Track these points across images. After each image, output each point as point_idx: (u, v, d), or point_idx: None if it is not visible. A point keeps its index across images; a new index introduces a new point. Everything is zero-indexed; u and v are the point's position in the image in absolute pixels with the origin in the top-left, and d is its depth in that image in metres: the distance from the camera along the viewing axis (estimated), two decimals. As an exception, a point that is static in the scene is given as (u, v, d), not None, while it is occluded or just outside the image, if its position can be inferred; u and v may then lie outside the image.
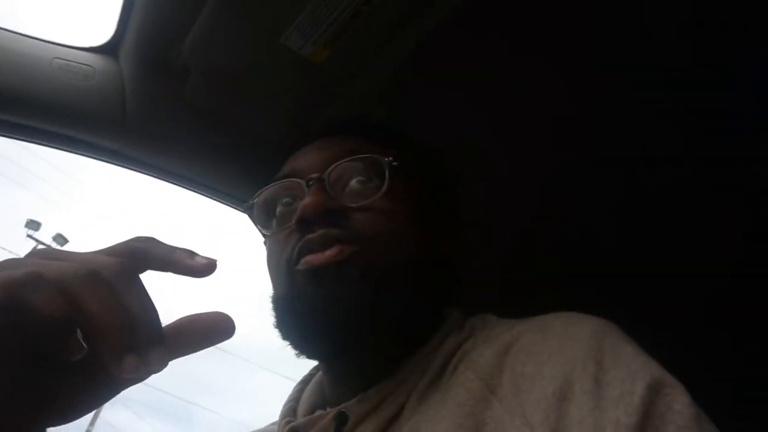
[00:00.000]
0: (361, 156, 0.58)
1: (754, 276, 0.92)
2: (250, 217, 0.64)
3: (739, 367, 1.01)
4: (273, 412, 0.66)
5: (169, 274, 0.34)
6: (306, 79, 0.78)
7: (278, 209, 0.61)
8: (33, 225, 15.04)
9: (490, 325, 0.56)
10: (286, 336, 0.57)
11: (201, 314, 0.35)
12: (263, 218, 0.62)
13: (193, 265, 0.34)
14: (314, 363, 0.65)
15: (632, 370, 0.42)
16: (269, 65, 0.76)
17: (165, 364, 0.30)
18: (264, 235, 0.63)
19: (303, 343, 0.56)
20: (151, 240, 0.35)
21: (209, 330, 0.34)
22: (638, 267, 0.97)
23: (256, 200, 0.62)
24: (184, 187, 0.93)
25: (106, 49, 0.82)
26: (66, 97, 0.77)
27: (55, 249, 0.35)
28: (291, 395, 0.65)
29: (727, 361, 1.01)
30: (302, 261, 0.54)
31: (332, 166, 0.57)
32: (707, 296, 0.98)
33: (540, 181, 0.91)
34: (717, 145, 0.82)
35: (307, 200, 0.54)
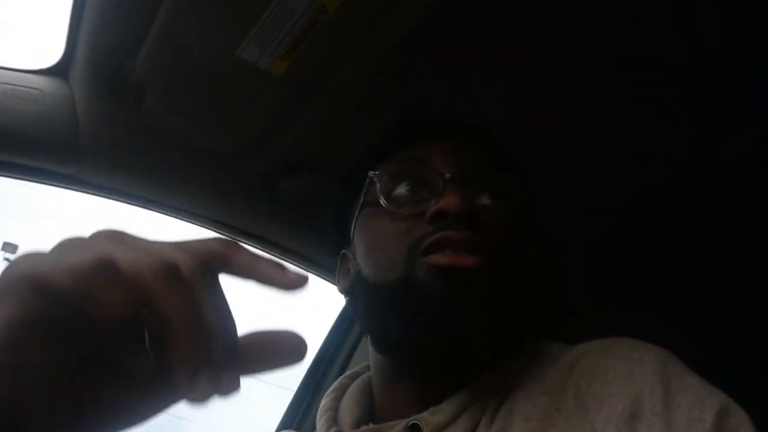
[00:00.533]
0: (503, 172, 0.61)
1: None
2: (372, 184, 0.61)
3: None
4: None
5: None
6: (267, 92, 0.75)
7: (398, 190, 0.60)
8: (9, 248, 14.71)
9: (548, 346, 0.58)
10: (379, 322, 0.57)
11: (272, 331, 0.30)
12: (377, 190, 0.60)
13: (283, 278, 0.29)
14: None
15: (700, 397, 0.43)
16: (227, 79, 0.73)
17: (237, 387, 0.27)
18: (372, 208, 0.61)
19: (402, 336, 0.55)
20: (233, 243, 0.30)
21: (281, 350, 0.30)
22: (637, 262, 0.97)
23: (384, 173, 0.60)
24: (148, 209, 0.90)
25: (55, 71, 0.78)
26: (14, 124, 0.74)
27: (123, 231, 0.29)
28: (326, 405, 0.63)
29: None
30: (438, 255, 0.53)
31: (469, 173, 0.58)
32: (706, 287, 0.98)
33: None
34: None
35: (454, 197, 0.54)
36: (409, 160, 0.61)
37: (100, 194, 0.85)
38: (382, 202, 0.59)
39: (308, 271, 1.05)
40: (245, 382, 0.29)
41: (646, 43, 0.70)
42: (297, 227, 0.97)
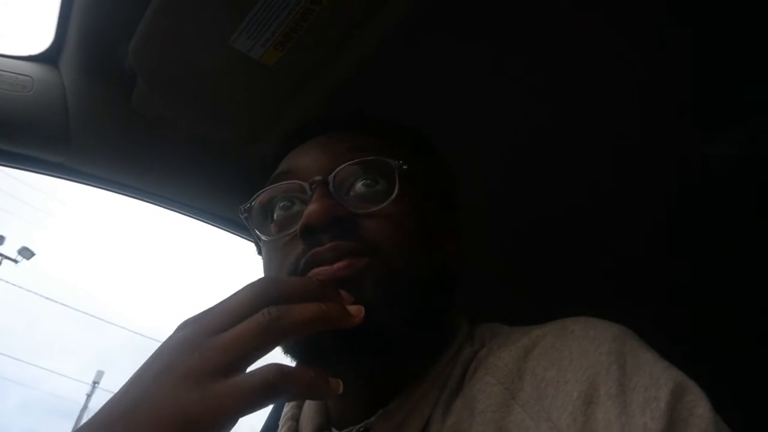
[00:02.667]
0: (368, 159, 0.54)
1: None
2: (247, 221, 0.59)
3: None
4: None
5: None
6: (260, 82, 0.75)
7: (276, 213, 0.57)
8: (26, 253, 14.59)
9: (503, 332, 0.55)
10: (288, 350, 0.53)
11: None
12: (260, 222, 0.58)
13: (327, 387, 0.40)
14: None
15: (655, 376, 0.42)
16: (219, 69, 0.73)
17: None
18: (259, 241, 0.58)
19: (310, 360, 0.51)
20: (288, 372, 0.37)
21: None
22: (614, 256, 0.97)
23: (253, 203, 0.58)
24: (136, 199, 0.89)
25: (45, 58, 0.78)
26: (2, 110, 0.73)
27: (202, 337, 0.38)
28: (287, 413, 0.62)
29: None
30: (308, 275, 0.50)
31: (337, 169, 0.53)
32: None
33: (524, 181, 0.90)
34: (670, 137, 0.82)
35: (313, 207, 0.50)
36: (277, 178, 0.58)
37: (89, 183, 0.85)
38: (256, 234, 0.57)
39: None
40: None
41: (627, 40, 0.70)
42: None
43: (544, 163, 0.87)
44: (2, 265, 14.37)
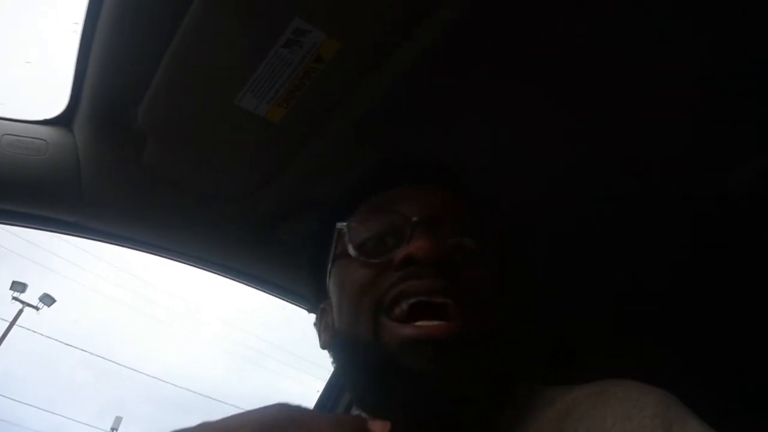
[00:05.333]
0: (467, 217, 0.58)
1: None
2: (341, 235, 0.59)
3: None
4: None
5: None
6: (266, 138, 0.77)
7: (367, 238, 0.57)
8: (18, 287, 14.80)
9: (540, 392, 0.55)
10: (354, 383, 0.55)
11: None
12: (347, 240, 0.58)
13: None
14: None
15: None
16: (226, 127, 0.75)
17: None
18: (339, 259, 0.59)
19: (377, 400, 0.53)
20: None
21: None
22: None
23: (352, 224, 0.59)
24: (150, 253, 0.91)
25: (59, 121, 0.80)
26: (17, 174, 0.75)
27: None
28: None
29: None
30: (406, 326, 0.50)
31: (438, 217, 0.56)
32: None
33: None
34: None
35: (423, 242, 0.51)
36: (377, 207, 0.60)
37: (104, 240, 0.87)
38: (350, 251, 0.57)
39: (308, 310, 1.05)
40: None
41: (644, 71, 0.71)
42: (296, 268, 0.98)
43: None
44: (24, 313, 14.52)
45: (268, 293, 1.04)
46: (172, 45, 0.65)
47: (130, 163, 0.80)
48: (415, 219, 0.54)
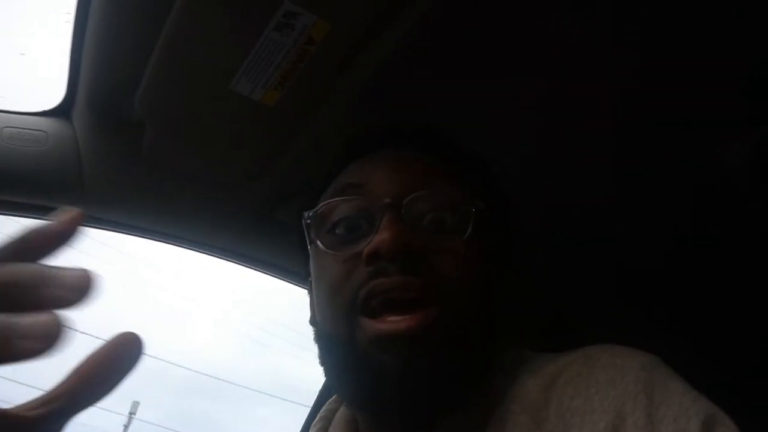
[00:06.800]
0: (447, 190, 0.53)
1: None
2: (307, 228, 0.56)
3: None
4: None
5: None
6: (262, 122, 0.77)
7: (339, 224, 0.54)
8: None
9: (530, 359, 0.54)
10: (333, 377, 0.54)
11: (102, 347, 0.26)
12: (317, 228, 0.55)
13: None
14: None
15: (685, 407, 0.42)
16: (222, 112, 0.75)
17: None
18: (312, 246, 0.56)
19: (354, 397, 0.53)
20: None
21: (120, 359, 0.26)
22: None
23: (318, 211, 0.55)
24: (152, 240, 0.92)
25: (58, 112, 0.81)
26: (19, 165, 0.77)
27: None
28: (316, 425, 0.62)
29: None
30: (375, 321, 0.48)
31: (412, 195, 0.51)
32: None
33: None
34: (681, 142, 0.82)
35: (384, 235, 0.48)
36: (346, 187, 0.56)
37: (106, 228, 0.88)
38: (318, 245, 0.54)
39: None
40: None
41: (640, 47, 0.70)
42: (297, 248, 0.99)
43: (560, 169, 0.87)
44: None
45: (271, 275, 1.05)
46: (164, 32, 0.65)
47: (130, 152, 0.80)
48: (387, 200, 0.50)
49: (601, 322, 0.98)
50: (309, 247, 0.57)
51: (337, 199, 0.55)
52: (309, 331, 0.59)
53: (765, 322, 0.98)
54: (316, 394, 1.13)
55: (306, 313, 0.62)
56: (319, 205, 0.56)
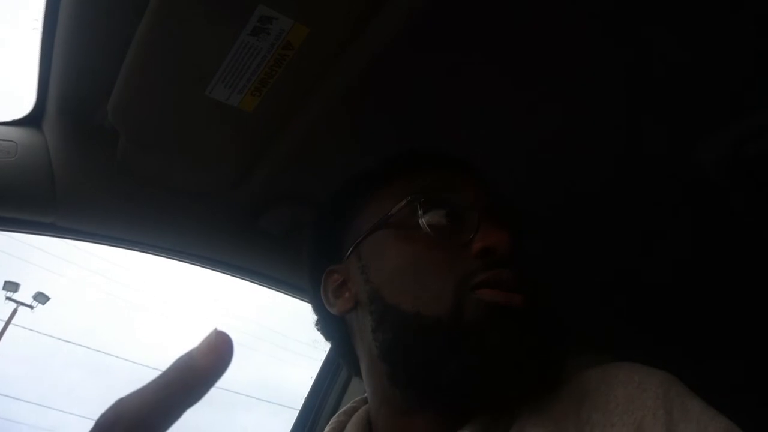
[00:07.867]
0: (516, 210, 0.60)
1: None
2: (409, 206, 0.57)
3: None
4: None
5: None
6: (240, 129, 0.75)
7: (434, 216, 0.56)
8: (11, 287, 14.67)
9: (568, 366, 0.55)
10: (415, 356, 0.51)
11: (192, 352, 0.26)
12: (413, 213, 0.57)
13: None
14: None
15: (703, 423, 0.42)
16: (198, 119, 0.73)
17: None
18: (409, 230, 0.57)
19: (448, 375, 0.49)
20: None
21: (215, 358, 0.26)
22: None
23: (422, 199, 0.57)
24: (130, 250, 0.90)
25: (28, 122, 0.79)
26: (-12, 177, 0.74)
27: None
28: (332, 427, 0.62)
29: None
30: (492, 291, 0.50)
31: (497, 206, 0.58)
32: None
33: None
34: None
35: (502, 234, 0.53)
36: (439, 187, 0.58)
37: (82, 239, 0.85)
38: (423, 226, 0.55)
39: (292, 296, 1.05)
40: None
41: (616, 38, 0.69)
42: (279, 256, 0.97)
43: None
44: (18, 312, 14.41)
45: (255, 283, 1.03)
46: (135, 38, 0.63)
47: (103, 161, 0.78)
48: (487, 204, 0.57)
49: (588, 323, 0.98)
50: (374, 229, 0.59)
51: (436, 193, 0.58)
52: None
53: (750, 318, 0.98)
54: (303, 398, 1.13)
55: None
56: (422, 192, 0.58)
